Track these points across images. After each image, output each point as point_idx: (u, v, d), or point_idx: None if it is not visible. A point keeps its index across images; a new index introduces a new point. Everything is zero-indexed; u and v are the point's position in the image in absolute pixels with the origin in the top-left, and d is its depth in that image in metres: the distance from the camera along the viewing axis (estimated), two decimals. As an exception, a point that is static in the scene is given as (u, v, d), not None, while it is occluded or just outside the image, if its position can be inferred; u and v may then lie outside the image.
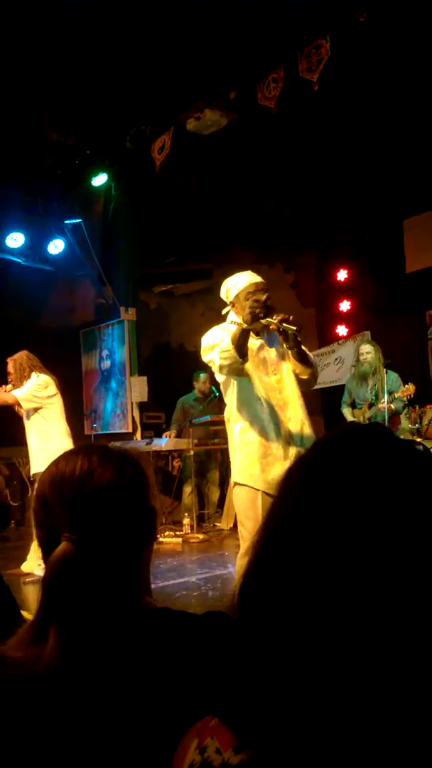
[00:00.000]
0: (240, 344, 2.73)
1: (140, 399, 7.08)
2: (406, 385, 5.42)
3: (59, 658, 0.74)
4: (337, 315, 8.15)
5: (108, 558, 0.79)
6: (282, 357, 2.96)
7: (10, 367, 4.85)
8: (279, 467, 2.84)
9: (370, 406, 5.74)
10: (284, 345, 2.88)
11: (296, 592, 0.53)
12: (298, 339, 2.84)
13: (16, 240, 6.40)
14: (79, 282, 7.21)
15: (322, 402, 8.79)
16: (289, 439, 2.92)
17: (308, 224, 7.42)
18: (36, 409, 4.70)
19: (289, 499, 0.59)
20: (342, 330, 8.10)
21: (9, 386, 4.73)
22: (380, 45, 4.35)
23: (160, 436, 7.13)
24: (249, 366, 2.88)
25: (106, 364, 7.54)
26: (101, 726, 0.73)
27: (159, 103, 5.38)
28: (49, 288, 7.15)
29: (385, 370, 5.56)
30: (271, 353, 2.96)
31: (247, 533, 2.89)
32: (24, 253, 6.68)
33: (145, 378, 7.06)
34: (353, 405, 6.04)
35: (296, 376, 2.96)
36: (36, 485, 0.86)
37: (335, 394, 8.31)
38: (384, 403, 5.41)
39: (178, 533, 6.08)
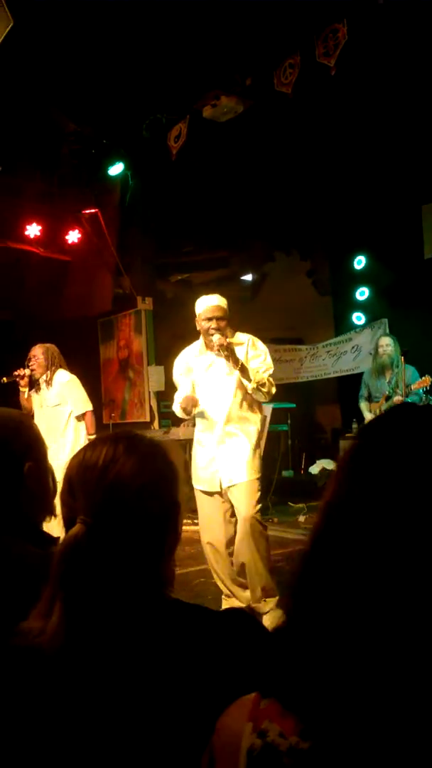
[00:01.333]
0: (188, 412, 3.40)
1: (157, 388, 7.12)
2: (423, 377, 5.40)
3: (62, 633, 0.76)
4: (354, 303, 8.10)
5: (120, 545, 0.81)
6: (230, 371, 3.38)
7: (40, 353, 4.76)
8: (207, 470, 3.45)
9: (387, 398, 5.72)
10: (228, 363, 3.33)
11: (358, 574, 0.53)
12: (236, 360, 3.28)
13: (33, 230, 6.43)
14: (96, 272, 7.24)
15: (338, 390, 8.77)
16: (220, 443, 3.41)
17: (325, 211, 7.36)
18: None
19: (341, 483, 0.59)
20: (359, 318, 8.05)
21: (27, 371, 4.72)
22: (399, 28, 4.29)
23: (177, 425, 7.17)
24: (194, 382, 3.50)
25: (124, 353, 7.58)
26: (99, 704, 0.75)
27: (175, 91, 5.35)
28: (67, 278, 7.19)
29: (403, 361, 5.52)
30: (221, 368, 3.40)
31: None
32: (41, 243, 6.72)
33: (162, 367, 7.08)
34: (370, 399, 6.02)
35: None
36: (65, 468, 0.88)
37: (352, 382, 8.27)
38: (400, 397, 5.39)
39: (195, 521, 6.11)
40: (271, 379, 3.39)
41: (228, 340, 3.27)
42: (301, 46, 4.51)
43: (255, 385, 3.30)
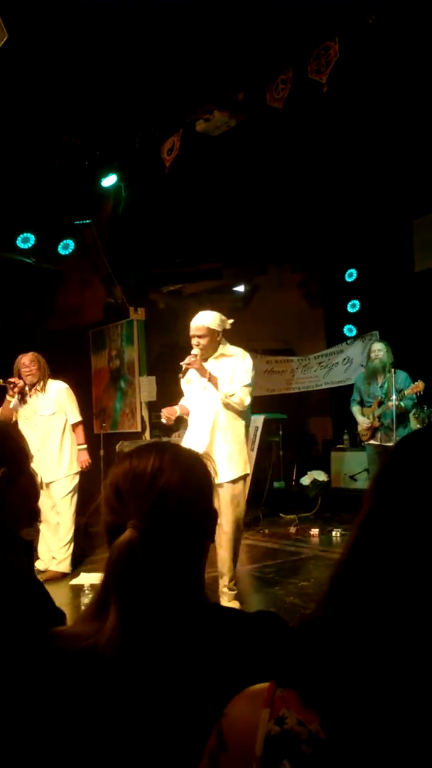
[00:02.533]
0: (169, 421, 3.87)
1: (149, 398, 7.12)
2: (416, 382, 5.44)
3: (118, 635, 0.79)
4: (345, 315, 8.15)
5: (170, 549, 0.85)
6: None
7: (32, 362, 4.77)
8: None
9: (380, 404, 5.76)
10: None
11: (388, 586, 0.55)
12: (206, 375, 3.64)
13: (26, 240, 6.45)
14: (89, 282, 7.26)
15: (330, 401, 8.81)
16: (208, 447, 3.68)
17: (317, 224, 7.43)
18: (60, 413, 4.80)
19: (375, 498, 0.61)
20: (350, 330, 8.10)
21: (21, 381, 4.71)
22: (389, 46, 4.36)
23: (168, 435, 7.17)
24: (185, 389, 3.95)
25: (116, 363, 7.59)
26: (152, 704, 0.78)
27: (168, 104, 5.40)
28: (59, 288, 7.20)
29: (393, 370, 5.57)
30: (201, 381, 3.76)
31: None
32: (34, 254, 6.73)
33: (153, 378, 7.10)
34: (362, 404, 6.06)
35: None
36: (109, 475, 0.91)
37: (343, 393, 8.31)
38: (393, 401, 5.43)
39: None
40: (243, 390, 3.66)
41: (196, 358, 3.63)
42: (294, 63, 4.58)
43: (223, 396, 3.61)
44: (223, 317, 3.79)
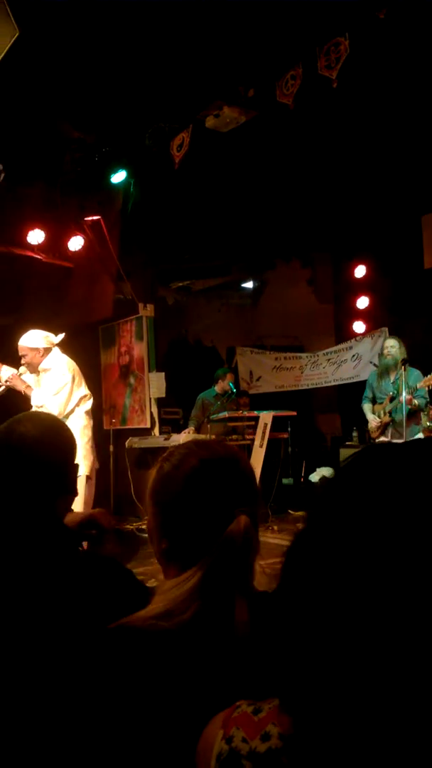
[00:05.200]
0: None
1: (158, 395, 7.13)
2: (428, 376, 5.43)
3: (247, 620, 0.82)
4: (354, 311, 8.14)
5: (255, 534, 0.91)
6: None
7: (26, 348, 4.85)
8: None
9: (392, 399, 5.75)
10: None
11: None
12: (21, 390, 4.33)
13: (36, 237, 6.47)
14: (98, 278, 7.27)
15: (338, 398, 8.80)
16: None
17: (326, 220, 7.40)
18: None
19: (308, 520, 0.63)
20: (359, 326, 8.08)
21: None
22: (400, 42, 4.34)
23: (177, 431, 7.19)
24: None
25: (125, 359, 7.61)
26: (216, 675, 0.81)
27: (178, 100, 5.40)
28: (69, 284, 7.22)
29: (403, 366, 5.55)
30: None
31: None
32: (44, 250, 6.75)
33: (162, 374, 7.11)
34: (374, 401, 6.05)
35: None
36: (188, 469, 0.96)
37: (352, 390, 8.30)
38: (404, 396, 5.41)
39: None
40: (52, 400, 4.26)
41: (13, 376, 4.32)
42: (304, 59, 4.56)
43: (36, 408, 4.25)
44: (45, 334, 4.36)
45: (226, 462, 0.96)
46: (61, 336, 4.44)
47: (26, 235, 6.43)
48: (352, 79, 4.41)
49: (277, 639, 0.58)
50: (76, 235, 6.79)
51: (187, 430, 6.79)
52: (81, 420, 4.41)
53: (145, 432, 7.16)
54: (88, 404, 4.52)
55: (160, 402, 7.29)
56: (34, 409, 4.23)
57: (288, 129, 5.44)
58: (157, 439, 6.80)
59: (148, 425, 7.19)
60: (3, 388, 4.40)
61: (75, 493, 1.32)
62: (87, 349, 7.73)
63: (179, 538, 0.94)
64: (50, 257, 6.84)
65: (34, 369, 4.32)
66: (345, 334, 8.33)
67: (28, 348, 4.32)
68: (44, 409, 4.13)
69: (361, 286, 7.97)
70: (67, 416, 4.28)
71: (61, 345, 4.53)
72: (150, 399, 7.19)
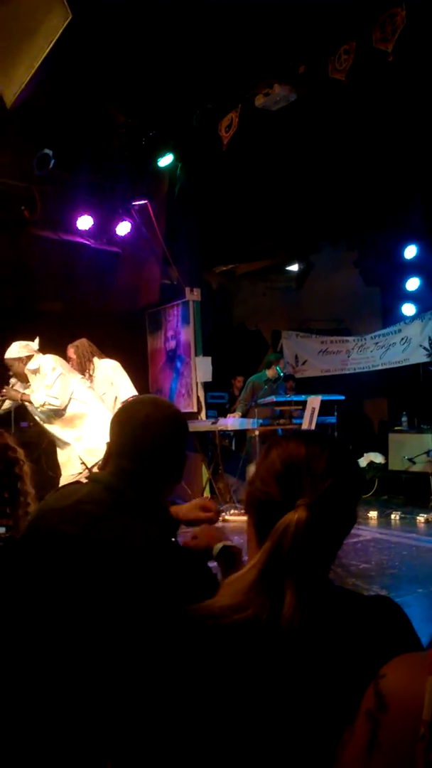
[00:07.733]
0: None
1: (205, 379, 7.14)
2: None
3: (299, 612, 0.82)
4: (403, 293, 7.96)
5: (332, 530, 0.90)
6: None
7: (72, 353, 5.03)
8: None
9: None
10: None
11: None
12: (18, 399, 4.54)
13: (85, 222, 6.52)
14: (145, 263, 7.29)
15: (387, 383, 8.65)
16: None
17: (375, 199, 7.22)
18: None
19: None
20: (408, 309, 7.91)
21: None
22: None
23: (224, 415, 7.20)
24: None
25: (171, 344, 7.63)
26: (318, 678, 0.81)
27: (226, 80, 5.32)
28: (116, 269, 7.26)
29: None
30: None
31: None
32: (92, 235, 6.80)
33: (209, 358, 7.10)
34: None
35: None
36: (276, 454, 0.95)
37: (400, 374, 8.15)
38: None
39: (243, 512, 6.15)
40: (48, 393, 4.36)
41: (7, 389, 4.56)
42: (357, 32, 4.42)
43: (38, 408, 4.39)
44: (25, 343, 4.47)
45: (309, 458, 0.95)
46: (37, 340, 4.59)
47: (75, 221, 6.48)
48: (410, 52, 4.26)
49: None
50: (123, 220, 6.81)
51: (234, 414, 6.78)
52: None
53: (192, 416, 7.18)
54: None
55: (206, 386, 7.30)
56: (37, 408, 4.40)
57: (339, 106, 5.30)
58: (204, 423, 6.82)
59: (195, 409, 7.21)
60: (3, 401, 4.63)
61: (180, 482, 1.35)
62: (134, 334, 7.80)
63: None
64: (98, 243, 6.89)
65: (23, 378, 4.52)
66: (393, 317, 8.17)
67: (12, 359, 4.50)
68: (48, 404, 4.32)
69: (411, 267, 7.78)
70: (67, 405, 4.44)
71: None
72: (197, 383, 7.20)
